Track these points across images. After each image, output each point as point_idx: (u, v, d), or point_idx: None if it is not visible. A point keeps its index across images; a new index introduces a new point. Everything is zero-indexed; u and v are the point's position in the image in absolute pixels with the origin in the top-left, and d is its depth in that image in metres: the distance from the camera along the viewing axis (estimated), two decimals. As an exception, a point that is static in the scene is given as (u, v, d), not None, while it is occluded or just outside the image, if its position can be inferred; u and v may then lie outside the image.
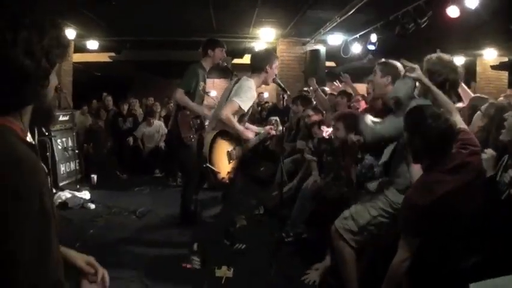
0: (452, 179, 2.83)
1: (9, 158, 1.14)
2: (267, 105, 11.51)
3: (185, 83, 5.66)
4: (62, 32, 1.36)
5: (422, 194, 2.82)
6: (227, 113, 4.26)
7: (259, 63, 4.56)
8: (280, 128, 4.96)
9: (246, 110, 4.42)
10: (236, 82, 4.60)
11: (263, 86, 4.96)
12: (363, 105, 6.15)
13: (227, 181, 4.41)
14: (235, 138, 4.56)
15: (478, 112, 3.66)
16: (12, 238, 1.10)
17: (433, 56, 3.48)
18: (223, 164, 4.39)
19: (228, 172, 4.43)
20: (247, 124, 4.87)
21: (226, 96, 4.56)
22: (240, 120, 4.54)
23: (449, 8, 6.50)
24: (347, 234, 3.52)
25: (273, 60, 4.60)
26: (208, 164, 4.16)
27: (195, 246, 4.53)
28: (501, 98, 4.43)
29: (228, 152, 4.48)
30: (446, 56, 3.46)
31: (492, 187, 2.89)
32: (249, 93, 4.40)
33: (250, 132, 4.74)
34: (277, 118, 7.00)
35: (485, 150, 3.09)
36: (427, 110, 2.89)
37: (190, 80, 5.68)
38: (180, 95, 5.62)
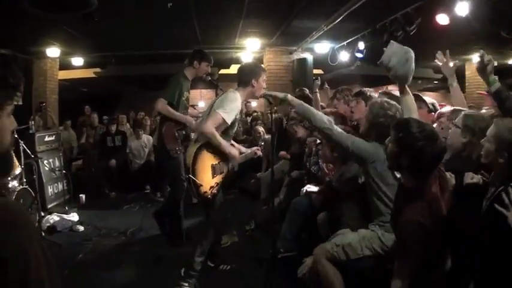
0: (442, 196, 2.86)
1: None
2: (255, 114, 11.46)
3: (169, 94, 5.54)
4: (10, 71, 1.27)
5: (426, 213, 2.72)
6: (209, 126, 4.07)
7: (245, 77, 4.40)
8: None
9: (229, 123, 4.20)
10: (221, 95, 4.47)
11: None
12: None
13: (209, 196, 4.21)
14: (220, 152, 4.33)
15: (454, 128, 3.49)
16: None
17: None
18: (207, 178, 4.20)
19: (211, 187, 4.23)
20: (233, 142, 4.71)
21: (210, 108, 4.39)
22: (225, 134, 4.35)
23: (438, 16, 6.41)
24: (333, 259, 3.48)
25: (260, 74, 4.42)
26: (190, 175, 4.00)
27: (182, 272, 4.42)
28: (483, 111, 4.27)
29: (212, 165, 4.28)
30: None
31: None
32: (233, 104, 4.22)
33: (234, 148, 4.55)
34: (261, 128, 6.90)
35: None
36: (421, 129, 2.77)
37: (174, 91, 5.56)
38: (162, 104, 5.49)
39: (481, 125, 3.17)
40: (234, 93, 4.33)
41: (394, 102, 3.68)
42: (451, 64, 4.35)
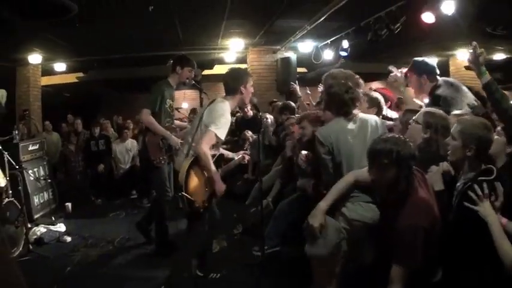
0: (431, 197, 2.97)
1: None
2: (238, 114, 11.37)
3: (150, 103, 5.45)
4: None
5: (423, 215, 2.82)
6: (204, 147, 3.98)
7: (233, 85, 4.30)
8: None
9: (223, 139, 4.16)
10: (209, 104, 4.36)
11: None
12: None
13: (201, 209, 4.15)
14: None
15: (414, 124, 3.65)
16: None
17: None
18: (200, 192, 4.13)
19: (203, 201, 4.17)
20: (221, 149, 4.64)
21: (198, 120, 4.31)
22: (215, 145, 4.27)
23: (424, 14, 6.38)
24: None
25: (247, 80, 4.34)
26: (184, 193, 3.92)
27: None
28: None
29: (206, 178, 4.20)
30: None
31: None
32: (224, 117, 4.13)
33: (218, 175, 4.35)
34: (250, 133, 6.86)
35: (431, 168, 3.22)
36: (399, 140, 2.95)
37: (155, 99, 5.47)
38: (145, 116, 5.42)
39: (443, 123, 3.43)
40: (223, 103, 4.24)
41: (344, 70, 3.71)
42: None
